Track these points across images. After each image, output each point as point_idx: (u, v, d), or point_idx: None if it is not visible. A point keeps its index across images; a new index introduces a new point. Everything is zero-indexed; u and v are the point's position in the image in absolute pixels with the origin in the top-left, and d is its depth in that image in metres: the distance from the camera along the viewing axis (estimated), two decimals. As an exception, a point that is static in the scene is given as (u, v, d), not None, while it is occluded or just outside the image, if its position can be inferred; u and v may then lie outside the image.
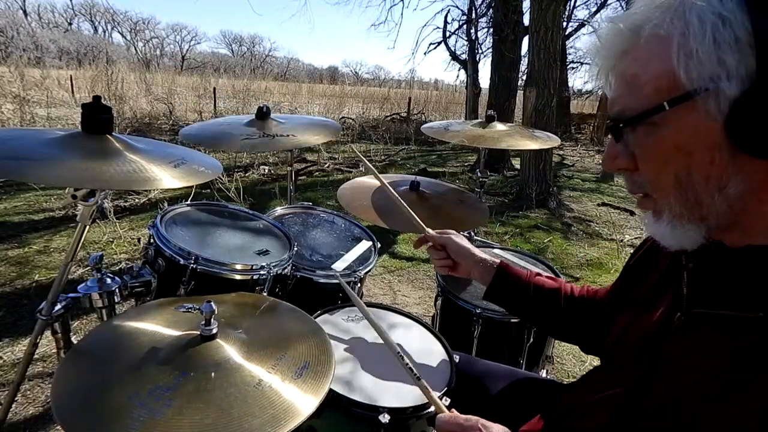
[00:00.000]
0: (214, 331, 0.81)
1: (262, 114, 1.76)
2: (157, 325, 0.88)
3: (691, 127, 0.49)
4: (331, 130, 1.92)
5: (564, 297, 0.99)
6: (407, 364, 0.82)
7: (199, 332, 0.81)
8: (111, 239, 3.27)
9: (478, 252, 1.08)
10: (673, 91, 0.49)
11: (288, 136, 1.70)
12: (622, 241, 4.17)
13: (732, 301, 0.54)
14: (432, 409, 0.90)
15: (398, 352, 0.84)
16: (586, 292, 1.01)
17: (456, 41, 12.32)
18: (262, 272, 1.19)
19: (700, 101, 0.47)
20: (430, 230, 1.15)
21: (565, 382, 1.09)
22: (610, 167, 0.60)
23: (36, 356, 1.87)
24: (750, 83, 0.45)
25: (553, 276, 1.07)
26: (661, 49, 0.49)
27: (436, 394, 0.82)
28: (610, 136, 0.59)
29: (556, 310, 0.98)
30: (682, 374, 0.58)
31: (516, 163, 6.97)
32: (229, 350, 0.80)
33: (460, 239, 1.11)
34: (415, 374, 0.81)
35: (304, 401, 0.73)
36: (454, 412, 0.78)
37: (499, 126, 2.04)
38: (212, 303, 0.80)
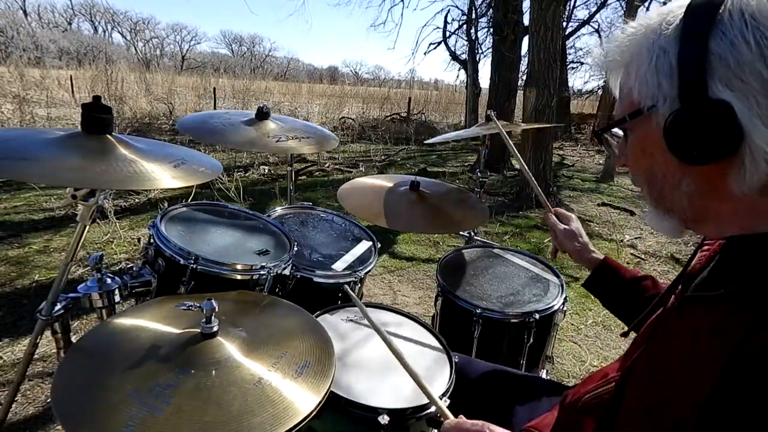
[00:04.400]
0: (215, 328, 0.81)
1: (262, 114, 1.75)
2: (157, 323, 0.88)
3: (647, 135, 0.59)
4: (329, 141, 1.86)
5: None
6: (414, 371, 0.82)
7: (199, 330, 0.81)
8: (111, 239, 3.27)
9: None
10: (633, 107, 0.59)
11: (283, 140, 1.65)
12: (621, 241, 4.17)
13: (708, 283, 0.61)
14: (432, 409, 0.90)
15: (403, 359, 0.84)
16: None
17: (456, 41, 12.37)
18: (262, 272, 1.19)
19: (649, 115, 0.57)
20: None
21: (564, 382, 1.08)
22: (616, 163, 0.71)
23: (36, 356, 1.87)
24: (678, 104, 0.53)
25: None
26: (630, 70, 0.60)
27: (443, 402, 0.81)
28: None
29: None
30: (657, 358, 0.61)
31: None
32: (230, 348, 0.80)
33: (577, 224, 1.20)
34: (421, 382, 0.81)
35: (304, 400, 0.73)
36: (462, 417, 0.78)
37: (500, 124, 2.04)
38: (213, 301, 0.80)
